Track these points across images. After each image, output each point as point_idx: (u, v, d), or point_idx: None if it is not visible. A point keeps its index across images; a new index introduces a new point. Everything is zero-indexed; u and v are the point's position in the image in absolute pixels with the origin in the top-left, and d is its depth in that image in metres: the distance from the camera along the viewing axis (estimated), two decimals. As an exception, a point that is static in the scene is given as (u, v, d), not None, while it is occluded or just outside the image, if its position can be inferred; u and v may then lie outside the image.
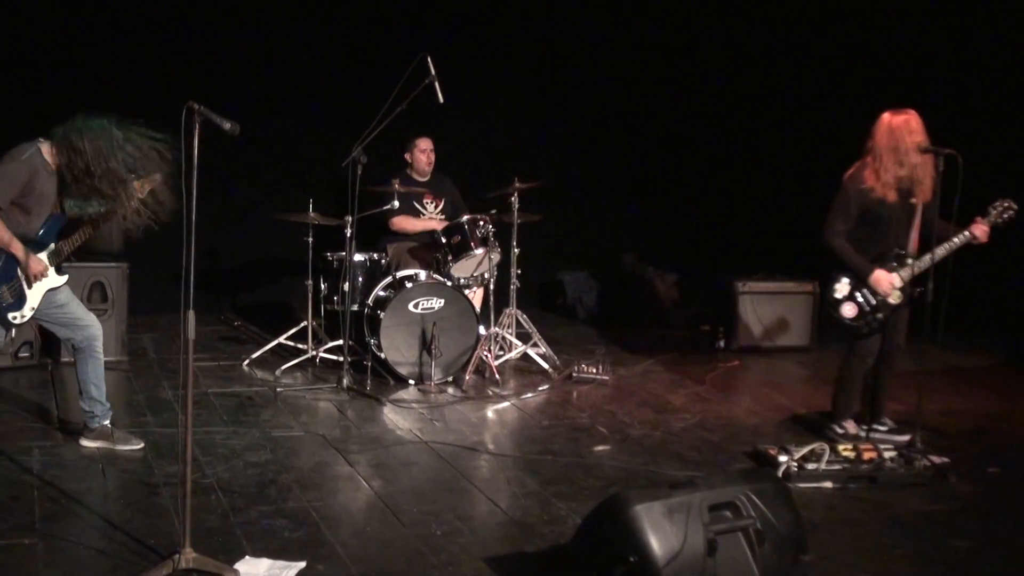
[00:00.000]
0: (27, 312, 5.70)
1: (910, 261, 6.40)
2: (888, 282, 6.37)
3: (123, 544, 4.69)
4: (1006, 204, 6.41)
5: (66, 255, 5.79)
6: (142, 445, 6.04)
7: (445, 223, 8.35)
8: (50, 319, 5.86)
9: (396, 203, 8.16)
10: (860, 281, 6.43)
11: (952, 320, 6.34)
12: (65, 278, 5.85)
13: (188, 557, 4.37)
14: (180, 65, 9.41)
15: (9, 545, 4.64)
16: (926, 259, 6.33)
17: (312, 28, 9.93)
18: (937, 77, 10.18)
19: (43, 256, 5.66)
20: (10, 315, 5.64)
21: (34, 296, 5.69)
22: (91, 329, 5.93)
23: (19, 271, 5.57)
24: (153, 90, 8.85)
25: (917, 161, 6.25)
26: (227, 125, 4.49)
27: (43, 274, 5.67)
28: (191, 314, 4.35)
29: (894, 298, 6.41)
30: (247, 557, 4.59)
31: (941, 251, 6.28)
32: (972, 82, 10.24)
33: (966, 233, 6.33)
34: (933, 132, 6.34)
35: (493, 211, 8.19)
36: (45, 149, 5.49)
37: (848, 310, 6.45)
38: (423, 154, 8.65)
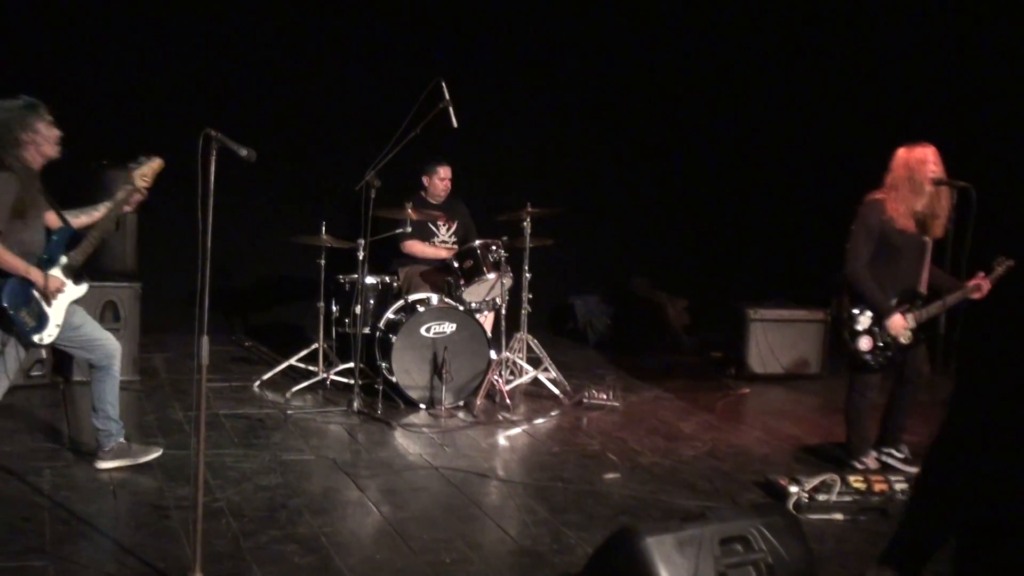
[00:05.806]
0: (52, 331, 5.66)
1: (920, 303, 6.45)
2: (901, 327, 6.41)
3: (133, 568, 4.69)
4: (1007, 262, 6.58)
5: (80, 265, 5.75)
6: (160, 452, 6.11)
7: (455, 251, 8.37)
8: (68, 343, 5.84)
9: (409, 228, 8.20)
10: (878, 318, 6.45)
11: (963, 351, 6.32)
12: (85, 287, 5.82)
13: (198, 582, 4.39)
14: (195, 87, 9.46)
15: (20, 567, 4.64)
16: (936, 306, 6.42)
17: (327, 51, 9.98)
18: (951, 108, 10.18)
19: (56, 272, 5.65)
20: (34, 337, 5.62)
21: (56, 313, 5.66)
22: (108, 347, 5.94)
23: (35, 292, 5.55)
24: (168, 114, 8.92)
25: (932, 191, 6.30)
26: (244, 152, 4.53)
27: (60, 290, 5.66)
28: (205, 340, 4.37)
29: (904, 339, 6.44)
30: (257, 583, 4.61)
31: (951, 299, 6.43)
32: (987, 114, 10.23)
33: (969, 286, 6.47)
34: (947, 165, 6.38)
35: (504, 237, 8.19)
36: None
37: (864, 343, 6.45)
38: (441, 182, 8.69)
